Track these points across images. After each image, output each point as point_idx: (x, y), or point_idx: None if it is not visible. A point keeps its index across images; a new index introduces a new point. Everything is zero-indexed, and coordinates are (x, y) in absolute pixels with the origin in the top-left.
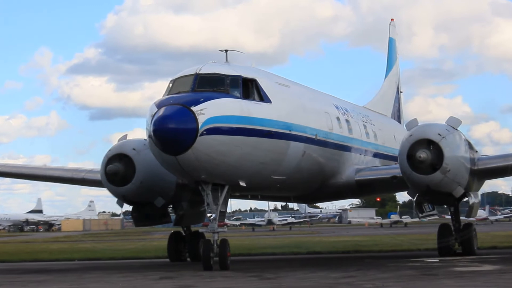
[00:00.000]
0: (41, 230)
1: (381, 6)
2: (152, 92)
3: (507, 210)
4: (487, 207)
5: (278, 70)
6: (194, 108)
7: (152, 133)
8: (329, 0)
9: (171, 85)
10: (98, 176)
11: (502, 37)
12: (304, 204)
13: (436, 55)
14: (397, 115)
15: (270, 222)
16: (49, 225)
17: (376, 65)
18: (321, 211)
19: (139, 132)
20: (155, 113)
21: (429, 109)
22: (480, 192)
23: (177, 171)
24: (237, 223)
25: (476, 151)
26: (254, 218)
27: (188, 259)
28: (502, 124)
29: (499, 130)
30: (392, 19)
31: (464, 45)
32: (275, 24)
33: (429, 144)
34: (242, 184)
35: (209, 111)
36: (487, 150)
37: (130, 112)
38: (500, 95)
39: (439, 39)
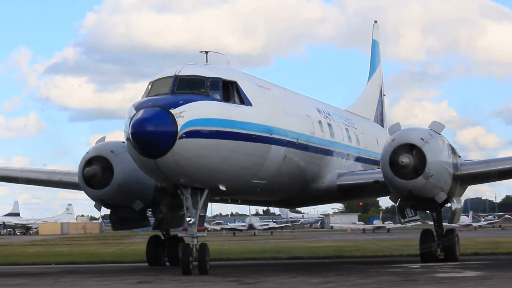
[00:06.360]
0: (18, 233)
1: (368, 7)
2: (134, 93)
3: (491, 216)
4: (470, 213)
5: (263, 71)
6: (173, 111)
7: (130, 136)
8: (315, 1)
9: (150, 87)
10: (75, 179)
11: (490, 40)
12: (286, 209)
13: (423, 58)
14: (380, 119)
15: (251, 227)
16: (26, 229)
17: (361, 67)
18: (303, 216)
19: (119, 134)
20: (133, 116)
21: (414, 113)
22: (463, 198)
23: (156, 175)
24: (218, 227)
25: (459, 156)
26: (235, 222)
27: (167, 263)
28: (488, 129)
29: (485, 135)
30: (375, 21)
31: (451, 48)
32: (260, 25)
33: (412, 149)
34: (222, 188)
35: (188, 113)
36: (473, 155)
37: (110, 113)
38: (487, 100)
39: (426, 42)
